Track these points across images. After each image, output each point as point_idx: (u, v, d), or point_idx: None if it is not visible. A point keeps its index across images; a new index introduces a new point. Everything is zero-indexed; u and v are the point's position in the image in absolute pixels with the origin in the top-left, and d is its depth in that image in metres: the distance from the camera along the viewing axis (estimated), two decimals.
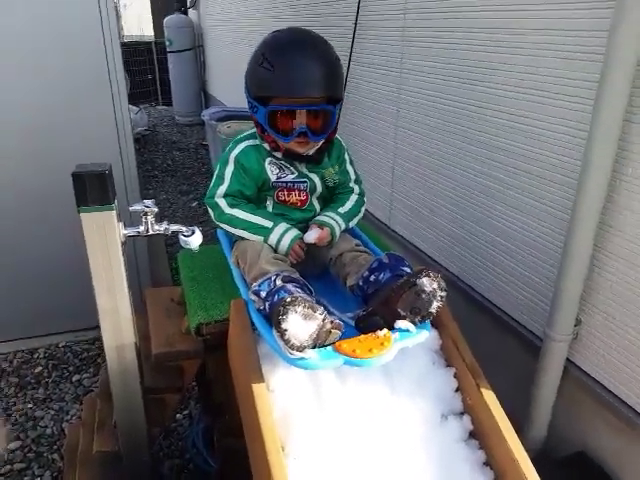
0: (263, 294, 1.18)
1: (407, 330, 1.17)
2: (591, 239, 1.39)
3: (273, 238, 1.33)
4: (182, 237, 1.20)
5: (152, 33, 10.33)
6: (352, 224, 1.50)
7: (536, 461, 1.23)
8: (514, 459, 1.15)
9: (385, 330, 1.16)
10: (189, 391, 2.10)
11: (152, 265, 2.70)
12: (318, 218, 1.42)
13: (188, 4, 7.18)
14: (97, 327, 2.43)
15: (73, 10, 2.16)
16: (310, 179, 1.41)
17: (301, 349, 1.08)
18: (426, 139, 2.15)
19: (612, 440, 1.49)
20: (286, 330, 1.04)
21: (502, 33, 1.66)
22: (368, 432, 1.18)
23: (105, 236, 1.08)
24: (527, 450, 1.27)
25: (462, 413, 1.25)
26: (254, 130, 1.41)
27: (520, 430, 1.56)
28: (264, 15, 4.32)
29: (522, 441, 1.23)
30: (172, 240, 3.15)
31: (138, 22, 14.22)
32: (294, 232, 1.34)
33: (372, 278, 1.25)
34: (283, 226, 1.35)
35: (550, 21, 1.48)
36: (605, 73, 1.24)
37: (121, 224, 1.11)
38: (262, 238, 1.34)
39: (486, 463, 1.19)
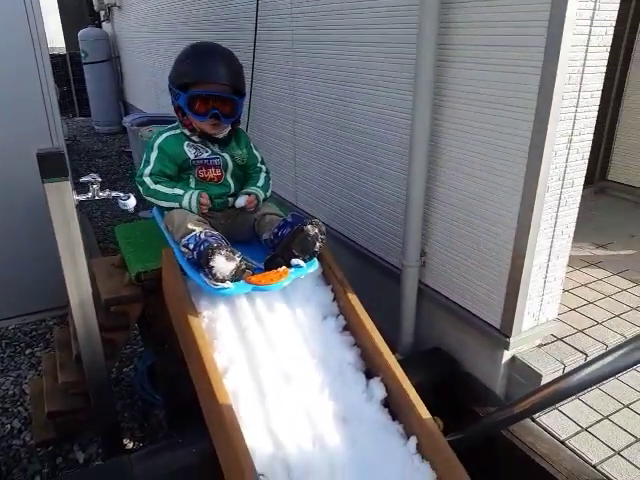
0: (191, 246, 1.61)
1: (299, 265, 1.65)
2: (423, 191, 1.95)
3: (185, 201, 1.76)
4: (121, 201, 1.61)
5: (63, 45, 10.27)
6: (267, 194, 1.97)
7: (406, 360, 1.74)
8: (372, 338, 1.66)
9: (284, 267, 1.63)
10: (132, 344, 2.48)
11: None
12: (244, 190, 1.89)
13: (102, 18, 7.35)
14: (42, 311, 2.75)
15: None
16: (222, 157, 1.86)
17: (223, 281, 1.53)
18: (318, 130, 2.66)
19: (455, 335, 2.05)
20: (213, 266, 1.50)
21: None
22: (272, 333, 1.66)
23: (64, 201, 1.47)
24: (400, 354, 1.75)
25: (337, 315, 1.76)
26: (175, 124, 1.86)
27: (394, 342, 2.10)
28: (178, 30, 4.69)
29: (396, 349, 1.73)
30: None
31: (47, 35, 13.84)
32: (197, 192, 1.78)
33: (279, 233, 1.72)
34: (190, 191, 1.78)
35: None
36: None
37: (74, 192, 1.50)
38: (177, 204, 1.77)
39: (354, 344, 1.70)
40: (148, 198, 1.81)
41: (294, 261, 1.62)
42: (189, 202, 1.76)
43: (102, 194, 1.55)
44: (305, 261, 1.64)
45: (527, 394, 1.62)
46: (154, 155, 1.80)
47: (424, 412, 1.50)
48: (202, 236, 1.60)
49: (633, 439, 1.72)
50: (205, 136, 1.83)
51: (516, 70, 1.55)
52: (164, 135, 1.84)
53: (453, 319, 2.03)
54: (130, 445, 2.00)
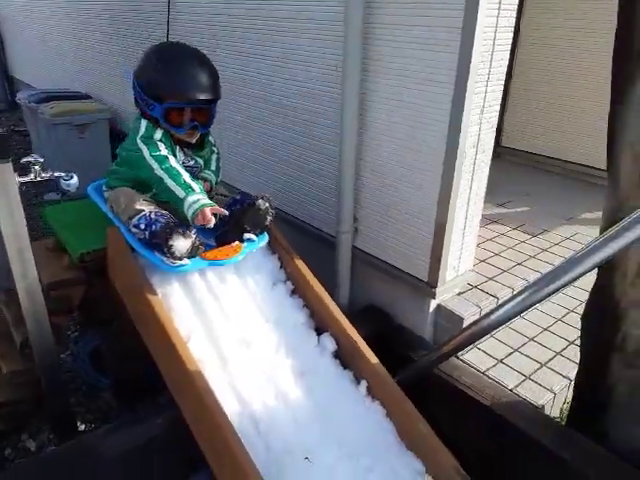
0: (142, 226, 1.62)
1: (251, 239, 1.73)
2: (353, 162, 2.10)
3: (191, 199, 1.61)
4: (63, 181, 1.58)
5: None
6: (219, 179, 1.98)
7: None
8: (320, 298, 1.80)
9: (237, 242, 1.70)
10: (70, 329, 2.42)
11: None
12: (201, 175, 1.87)
13: None
14: None
15: None
16: (200, 163, 1.87)
17: (180, 259, 1.57)
18: (249, 107, 2.69)
19: (387, 291, 2.26)
20: (172, 245, 1.53)
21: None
22: (227, 303, 1.74)
23: (6, 183, 1.42)
24: None
25: (285, 280, 1.88)
26: (146, 121, 1.73)
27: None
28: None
29: None
30: None
31: None
32: (209, 203, 1.62)
33: (228, 211, 1.74)
34: (205, 196, 1.65)
35: None
36: None
37: (16, 173, 1.46)
38: (181, 193, 1.61)
39: (304, 305, 1.84)
40: (150, 161, 1.66)
41: (246, 235, 1.70)
42: (193, 205, 1.60)
43: (45, 175, 1.51)
44: (256, 235, 1.72)
45: (451, 337, 1.86)
46: (157, 142, 1.70)
47: (372, 358, 1.69)
48: (152, 216, 1.62)
49: (539, 365, 2.05)
50: (181, 142, 1.78)
51: (437, 49, 1.72)
52: (159, 131, 1.72)
53: (385, 277, 2.24)
54: (82, 428, 1.99)
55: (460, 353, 2.04)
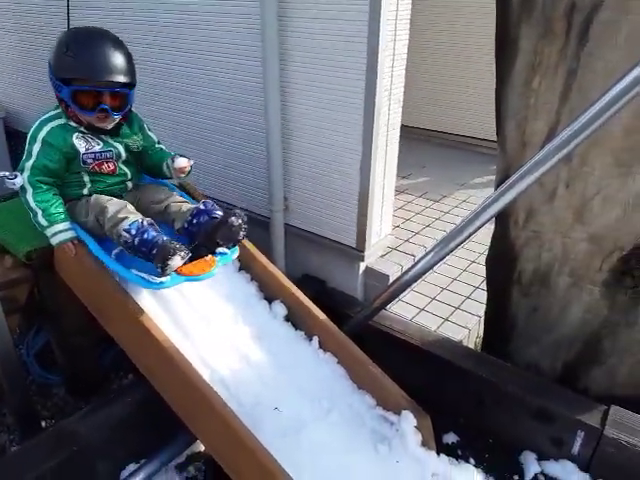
0: (133, 232, 1.58)
1: (224, 253, 1.74)
2: (280, 145, 2.29)
3: (50, 233, 1.69)
4: (8, 180, 1.59)
5: None
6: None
7: None
8: (267, 270, 1.98)
9: (210, 255, 1.71)
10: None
11: None
12: (178, 154, 1.85)
13: None
14: None
15: None
16: (115, 147, 1.78)
17: (167, 275, 1.56)
18: (162, 97, 2.75)
19: (317, 259, 2.50)
20: (169, 264, 1.52)
21: None
22: (182, 286, 1.84)
23: None
24: None
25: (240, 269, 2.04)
26: (57, 111, 1.72)
27: None
28: None
29: None
30: None
31: None
32: (68, 237, 1.69)
33: (194, 221, 1.71)
34: (61, 230, 1.69)
35: None
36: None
37: None
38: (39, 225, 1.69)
39: (251, 279, 2.01)
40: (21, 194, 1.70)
41: (219, 249, 1.71)
42: (56, 236, 1.69)
43: None
44: (228, 248, 1.74)
45: (380, 293, 2.13)
46: (37, 148, 1.67)
47: (320, 315, 1.91)
48: (145, 223, 1.61)
49: (453, 308, 2.42)
50: (94, 127, 1.73)
51: (347, 40, 1.95)
52: (48, 126, 1.68)
53: (317, 248, 2.47)
54: (43, 424, 2.00)
55: (389, 306, 2.34)
